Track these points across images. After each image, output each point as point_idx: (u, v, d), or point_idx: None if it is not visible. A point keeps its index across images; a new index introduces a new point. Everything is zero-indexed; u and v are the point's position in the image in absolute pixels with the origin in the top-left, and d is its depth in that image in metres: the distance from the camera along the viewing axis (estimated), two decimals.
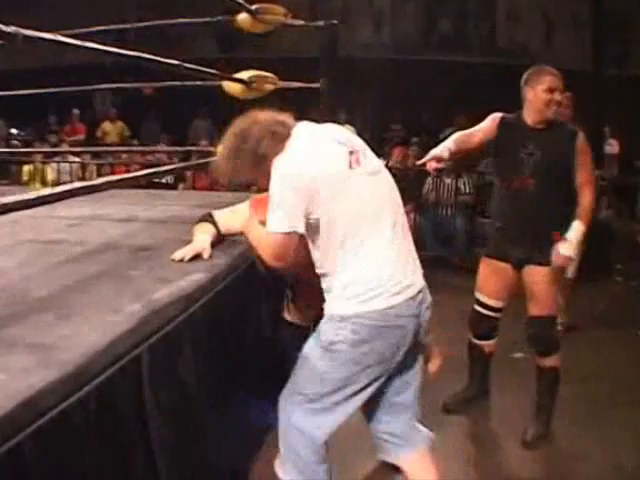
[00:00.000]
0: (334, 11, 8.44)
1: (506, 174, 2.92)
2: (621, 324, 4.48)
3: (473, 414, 3.15)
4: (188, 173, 7.49)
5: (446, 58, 9.25)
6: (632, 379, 3.58)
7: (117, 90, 7.80)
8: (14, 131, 9.28)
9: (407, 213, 2.21)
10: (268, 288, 2.73)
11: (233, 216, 2.42)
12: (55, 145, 8.30)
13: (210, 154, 3.34)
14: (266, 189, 1.87)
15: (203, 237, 2.34)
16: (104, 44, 1.85)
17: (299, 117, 1.97)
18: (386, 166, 2.19)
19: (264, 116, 1.92)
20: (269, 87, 3.22)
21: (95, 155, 8.16)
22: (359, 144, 1.93)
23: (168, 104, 8.57)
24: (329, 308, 1.89)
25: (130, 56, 1.98)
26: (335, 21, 2.78)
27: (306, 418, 1.90)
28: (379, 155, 2.17)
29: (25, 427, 1.19)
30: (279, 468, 1.98)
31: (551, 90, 2.77)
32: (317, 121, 1.99)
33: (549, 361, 2.91)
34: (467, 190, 6.57)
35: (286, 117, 1.93)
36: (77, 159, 7.82)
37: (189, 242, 2.34)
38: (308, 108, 2.73)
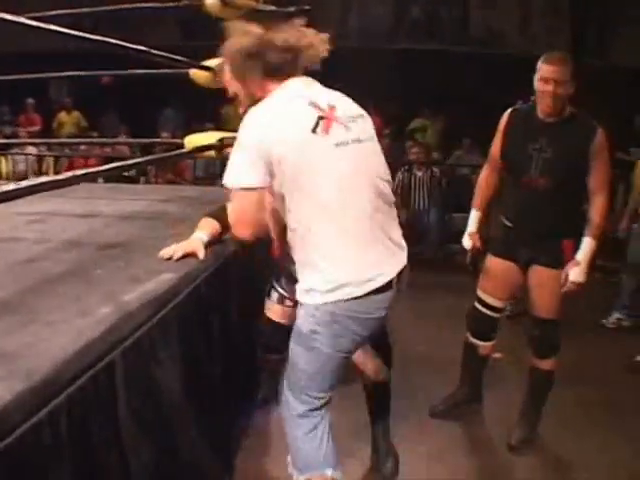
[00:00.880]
0: None
1: (515, 171, 2.72)
2: (602, 321, 4.49)
3: (461, 418, 3.03)
4: (150, 166, 7.32)
5: (417, 46, 9.15)
6: (616, 379, 3.53)
7: (73, 79, 7.54)
8: None
9: None
10: (242, 287, 2.66)
11: None
12: (10, 137, 8.02)
13: (175, 146, 3.21)
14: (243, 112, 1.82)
15: (199, 235, 2.25)
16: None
17: None
18: None
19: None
20: None
21: (49, 147, 7.92)
22: (343, 112, 1.81)
23: (128, 94, 8.35)
24: (300, 294, 1.84)
25: (96, 41, 1.86)
26: (308, 7, 2.69)
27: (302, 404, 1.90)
28: None
29: None
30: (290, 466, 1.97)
31: (545, 80, 2.52)
32: None
33: (546, 364, 2.80)
34: (441, 183, 6.45)
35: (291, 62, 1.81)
36: (35, 150, 7.57)
37: (157, 239, 2.24)
38: None
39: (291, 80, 1.81)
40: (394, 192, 1.99)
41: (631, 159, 5.77)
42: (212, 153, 2.97)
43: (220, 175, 2.07)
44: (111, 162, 2.50)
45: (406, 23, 9.68)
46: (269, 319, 2.58)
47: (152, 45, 2.69)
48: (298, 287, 1.84)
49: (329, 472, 1.89)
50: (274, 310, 2.57)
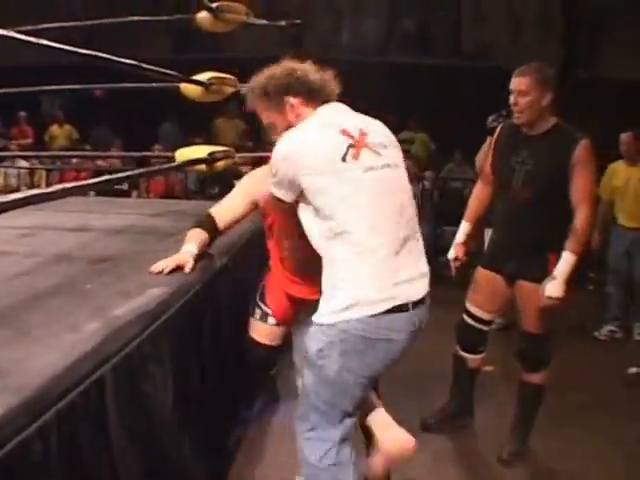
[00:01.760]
0: (291, 10, 8.30)
1: (501, 184, 2.73)
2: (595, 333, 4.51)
3: (453, 431, 3.01)
4: (142, 179, 7.31)
5: (409, 60, 9.17)
6: (609, 391, 3.53)
7: (66, 92, 7.54)
8: None
9: None
10: (233, 300, 2.65)
11: (231, 203, 2.37)
12: (2, 149, 8.00)
13: (168, 159, 3.22)
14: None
15: (189, 248, 2.24)
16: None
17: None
18: None
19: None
20: (229, 90, 3.12)
21: (41, 160, 7.90)
22: (374, 138, 1.85)
23: (121, 107, 8.34)
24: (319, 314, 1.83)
25: (87, 55, 1.86)
26: (298, 20, 2.70)
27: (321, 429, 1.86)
28: None
29: None
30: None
31: (510, 92, 2.56)
32: None
33: (536, 377, 2.78)
34: (432, 197, 6.49)
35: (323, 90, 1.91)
36: (26, 164, 7.55)
37: (147, 253, 2.24)
38: None
39: (323, 107, 1.88)
40: None
41: None
42: (202, 167, 2.97)
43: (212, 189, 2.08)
44: (102, 175, 2.50)
45: (398, 36, 9.73)
46: (252, 338, 2.50)
47: (144, 58, 2.70)
48: (319, 308, 1.83)
49: None
50: (257, 329, 2.49)
